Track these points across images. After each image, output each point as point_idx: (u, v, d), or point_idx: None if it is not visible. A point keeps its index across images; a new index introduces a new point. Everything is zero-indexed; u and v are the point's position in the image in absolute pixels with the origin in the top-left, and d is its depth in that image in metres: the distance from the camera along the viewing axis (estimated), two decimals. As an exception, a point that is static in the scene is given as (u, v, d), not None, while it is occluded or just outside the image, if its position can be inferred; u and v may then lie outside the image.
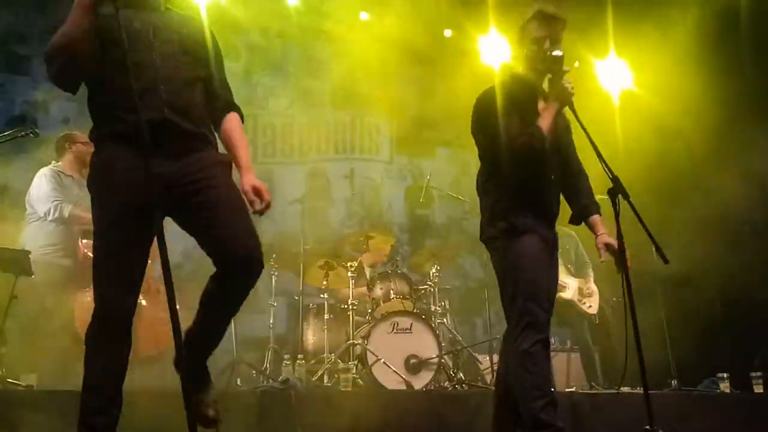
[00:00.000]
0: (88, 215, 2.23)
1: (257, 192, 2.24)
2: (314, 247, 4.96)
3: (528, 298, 2.60)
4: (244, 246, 2.11)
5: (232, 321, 4.83)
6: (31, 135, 4.24)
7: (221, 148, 2.34)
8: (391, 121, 7.39)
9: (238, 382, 4.49)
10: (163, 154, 2.08)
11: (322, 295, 4.90)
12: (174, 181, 2.10)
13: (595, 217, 2.90)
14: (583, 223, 2.90)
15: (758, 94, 5.57)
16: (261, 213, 2.26)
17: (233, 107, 2.41)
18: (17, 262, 3.81)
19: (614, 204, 2.53)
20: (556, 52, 2.65)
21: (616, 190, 2.53)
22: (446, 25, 7.09)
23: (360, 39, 6.94)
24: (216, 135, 2.35)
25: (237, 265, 2.12)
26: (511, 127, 2.65)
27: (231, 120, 2.38)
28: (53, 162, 4.48)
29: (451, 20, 6.93)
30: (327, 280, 4.92)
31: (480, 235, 2.85)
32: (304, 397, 3.75)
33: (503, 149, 2.66)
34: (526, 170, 2.67)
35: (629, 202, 2.53)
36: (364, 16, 6.90)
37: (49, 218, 4.23)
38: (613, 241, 2.72)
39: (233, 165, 2.31)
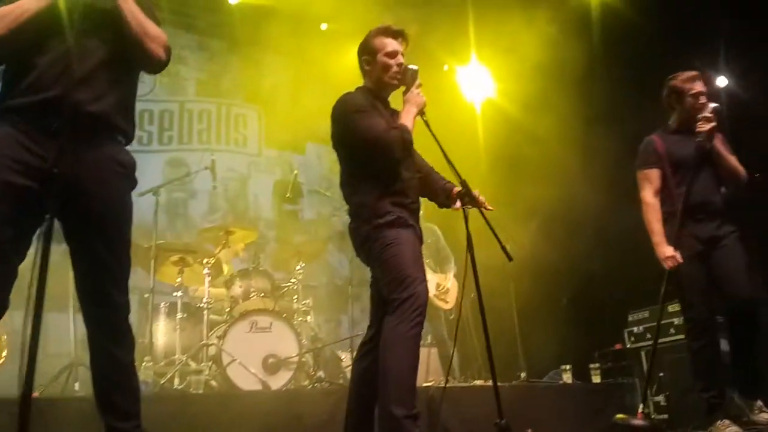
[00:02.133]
0: None
1: None
2: (168, 242, 4.69)
3: (414, 282, 2.61)
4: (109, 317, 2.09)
5: (71, 318, 4.49)
6: None
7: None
8: (259, 113, 7.20)
9: (76, 387, 4.14)
10: (61, 140, 1.86)
11: (175, 293, 4.66)
12: (68, 177, 1.89)
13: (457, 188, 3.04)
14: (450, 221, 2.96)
15: (607, 101, 6.01)
16: None
17: None
18: None
19: (463, 206, 2.65)
20: (413, 66, 2.83)
21: (465, 192, 2.66)
22: (323, 19, 7.01)
23: (228, 25, 6.70)
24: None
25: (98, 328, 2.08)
26: (377, 124, 2.75)
27: None
28: None
29: (328, 14, 6.86)
30: (181, 277, 4.68)
31: (353, 238, 2.82)
32: (151, 400, 3.53)
33: (372, 145, 2.71)
34: (396, 163, 2.77)
35: (477, 204, 2.65)
36: (233, 0, 6.63)
37: None
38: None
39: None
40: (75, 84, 1.90)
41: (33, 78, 2.01)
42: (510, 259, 2.67)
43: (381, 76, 2.87)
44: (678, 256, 3.43)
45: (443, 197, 3.03)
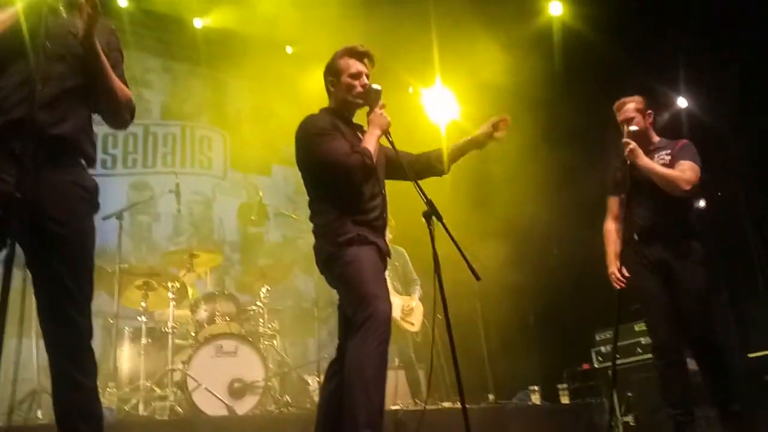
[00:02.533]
0: None
1: None
2: (133, 266, 4.63)
3: (375, 300, 2.59)
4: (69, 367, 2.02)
5: (33, 345, 4.39)
6: None
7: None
8: (224, 135, 7.18)
9: (39, 415, 4.01)
10: (24, 163, 1.80)
11: (139, 318, 4.58)
12: (30, 201, 1.85)
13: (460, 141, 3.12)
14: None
15: (571, 122, 6.13)
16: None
17: None
18: None
19: (429, 226, 2.64)
20: (376, 86, 2.85)
21: (431, 212, 2.65)
22: (288, 42, 7.06)
23: (193, 48, 6.70)
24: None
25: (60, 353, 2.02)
26: (339, 147, 2.76)
27: None
28: None
29: (293, 38, 6.92)
30: (146, 302, 4.61)
31: (317, 257, 2.81)
32: (115, 427, 3.46)
33: (332, 168, 2.73)
34: (358, 185, 2.77)
35: (442, 224, 2.64)
36: (198, 23, 6.64)
37: None
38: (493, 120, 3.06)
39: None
40: (39, 107, 1.86)
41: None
42: (478, 278, 2.64)
43: (345, 97, 2.89)
44: (618, 274, 3.53)
45: (437, 162, 3.08)
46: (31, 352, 4.35)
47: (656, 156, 3.59)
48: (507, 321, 6.11)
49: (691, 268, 3.45)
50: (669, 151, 3.60)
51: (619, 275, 3.52)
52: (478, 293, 5.65)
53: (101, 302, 4.63)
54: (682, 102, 5.85)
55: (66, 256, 2.03)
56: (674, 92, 5.80)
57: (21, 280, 2.05)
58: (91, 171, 2.24)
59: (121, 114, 2.26)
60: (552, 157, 6.07)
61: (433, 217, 2.65)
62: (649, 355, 4.64)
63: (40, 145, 1.89)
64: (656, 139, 3.70)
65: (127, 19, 6.07)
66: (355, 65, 2.89)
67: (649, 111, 3.68)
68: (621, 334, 4.85)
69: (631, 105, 3.65)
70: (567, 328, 6.01)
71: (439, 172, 3.13)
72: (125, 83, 2.30)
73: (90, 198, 2.14)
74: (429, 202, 2.66)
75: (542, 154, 6.06)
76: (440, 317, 2.80)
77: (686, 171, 3.46)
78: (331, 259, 2.73)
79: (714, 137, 5.32)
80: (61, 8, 2.18)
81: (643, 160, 3.50)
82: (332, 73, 2.93)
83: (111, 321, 4.49)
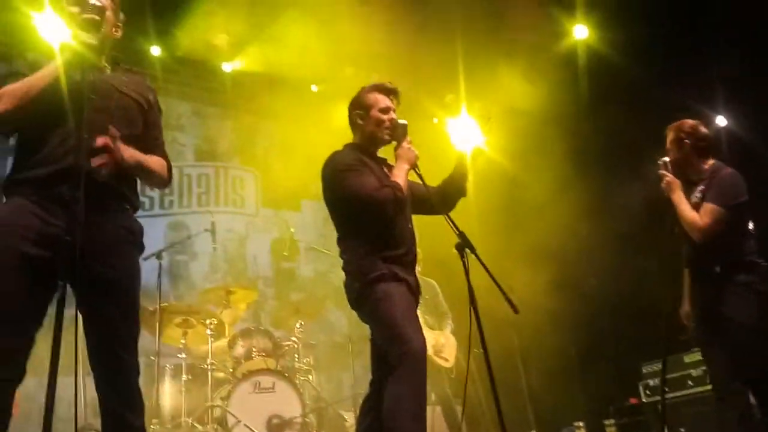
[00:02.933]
0: None
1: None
2: (172, 304, 4.74)
3: (410, 340, 2.56)
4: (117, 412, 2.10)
5: (81, 383, 4.50)
6: None
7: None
8: (255, 174, 7.34)
9: (86, 453, 4.10)
10: (73, 209, 1.87)
11: (179, 355, 4.66)
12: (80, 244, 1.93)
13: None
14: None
15: (604, 147, 6.08)
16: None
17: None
18: None
19: (462, 258, 2.60)
20: (402, 121, 2.90)
21: (463, 244, 2.62)
22: (313, 81, 7.24)
23: (222, 92, 6.92)
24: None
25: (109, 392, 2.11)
26: (368, 182, 2.78)
27: None
28: None
29: (318, 76, 7.09)
30: (185, 339, 4.69)
31: (347, 294, 2.82)
32: (157, 466, 3.50)
33: (363, 203, 2.74)
34: (389, 219, 2.77)
35: (476, 255, 2.60)
36: (227, 67, 6.86)
37: None
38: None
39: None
40: (86, 155, 1.95)
41: (46, 151, 2.10)
42: (516, 311, 2.56)
43: (374, 131, 2.91)
44: (683, 313, 3.45)
45: (456, 180, 3.09)
46: (80, 389, 4.46)
47: (696, 190, 3.32)
48: (547, 353, 5.94)
49: (732, 303, 3.17)
50: (703, 187, 3.30)
51: (684, 315, 3.43)
52: (514, 324, 5.55)
53: (143, 341, 4.63)
54: (720, 120, 5.70)
55: (114, 298, 2.12)
56: (711, 111, 5.62)
57: (67, 320, 2.12)
58: (132, 213, 2.34)
59: (161, 181, 2.42)
60: (584, 182, 6.01)
61: (467, 249, 2.62)
62: (701, 388, 4.56)
63: (87, 192, 1.98)
64: (707, 165, 3.37)
65: (159, 67, 6.32)
66: (384, 101, 2.93)
67: (686, 140, 3.36)
68: (670, 366, 4.65)
69: (670, 135, 3.43)
70: (611, 360, 5.81)
71: (464, 190, 3.13)
72: (162, 143, 2.45)
73: (135, 240, 2.24)
74: (461, 234, 2.63)
75: (573, 179, 6.01)
76: (476, 351, 2.74)
77: (703, 216, 3.18)
78: (361, 296, 2.73)
79: (753, 156, 5.15)
80: (106, 65, 2.32)
81: (675, 196, 3.26)
82: (360, 107, 2.96)
83: (152, 358, 4.57)
